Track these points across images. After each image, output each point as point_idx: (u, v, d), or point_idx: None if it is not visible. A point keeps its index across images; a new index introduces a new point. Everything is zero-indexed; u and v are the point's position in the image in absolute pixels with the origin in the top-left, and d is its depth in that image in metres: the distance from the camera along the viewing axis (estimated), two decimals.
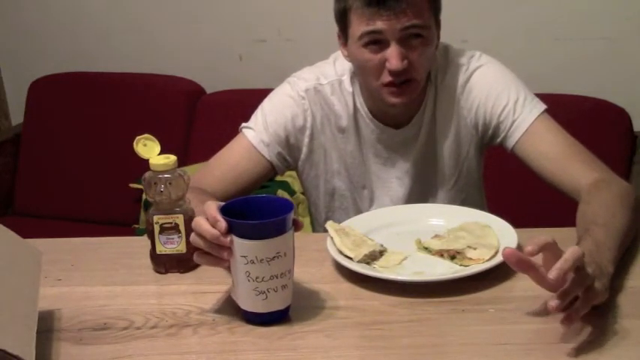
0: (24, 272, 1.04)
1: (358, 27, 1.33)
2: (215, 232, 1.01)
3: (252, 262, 1.01)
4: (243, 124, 1.48)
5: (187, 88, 2.62)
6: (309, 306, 1.10)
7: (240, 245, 1.01)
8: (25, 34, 2.84)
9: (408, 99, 1.38)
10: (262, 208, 1.06)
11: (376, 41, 1.32)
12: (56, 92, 2.70)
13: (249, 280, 1.02)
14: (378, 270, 1.16)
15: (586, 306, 0.98)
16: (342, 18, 1.36)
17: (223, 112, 2.41)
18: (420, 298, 1.09)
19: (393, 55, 1.32)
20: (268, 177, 1.51)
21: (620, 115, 2.18)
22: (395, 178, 1.50)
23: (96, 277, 1.22)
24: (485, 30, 2.38)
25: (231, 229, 1.02)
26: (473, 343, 0.99)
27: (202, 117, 2.55)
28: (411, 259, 1.20)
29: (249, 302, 1.05)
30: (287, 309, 1.07)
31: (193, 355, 1.01)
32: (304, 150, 1.49)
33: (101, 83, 2.68)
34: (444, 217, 1.32)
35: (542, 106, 1.42)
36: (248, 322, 1.06)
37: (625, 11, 2.32)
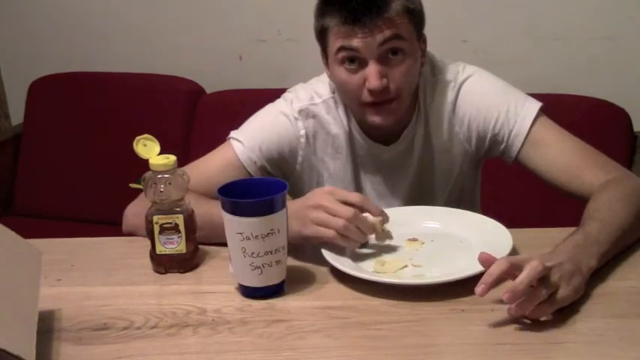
0: (24, 272, 1.04)
1: (334, 43, 1.31)
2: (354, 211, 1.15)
3: (248, 238, 1.08)
4: (233, 135, 1.45)
5: (187, 88, 2.62)
6: (309, 306, 1.10)
7: (237, 222, 1.08)
8: (25, 34, 2.84)
9: (392, 118, 1.36)
10: (257, 188, 1.12)
11: (354, 59, 1.30)
12: (56, 92, 2.70)
13: (245, 256, 1.09)
14: (378, 275, 1.16)
15: (547, 312, 1.01)
16: (322, 37, 1.35)
17: (223, 112, 2.40)
18: (420, 299, 1.09)
19: (371, 74, 1.29)
20: None
21: (620, 115, 2.18)
22: (390, 197, 1.48)
23: (96, 277, 1.22)
24: (485, 30, 2.38)
25: (228, 208, 1.09)
26: (473, 343, 1.00)
27: (202, 117, 2.55)
28: (410, 263, 1.20)
29: (245, 277, 1.12)
30: (282, 283, 1.14)
31: (193, 355, 1.01)
32: (297, 168, 1.46)
33: (101, 83, 2.68)
34: (438, 220, 1.32)
35: (536, 107, 1.38)
36: (246, 297, 1.12)
37: (625, 11, 2.32)
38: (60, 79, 2.71)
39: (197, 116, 2.55)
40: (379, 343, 1.01)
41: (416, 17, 1.33)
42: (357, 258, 1.22)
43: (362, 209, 1.17)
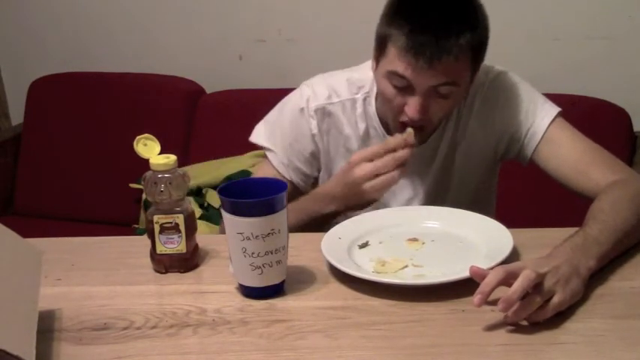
0: (24, 272, 1.04)
1: (390, 63, 1.29)
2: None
3: (248, 238, 1.08)
4: (265, 145, 1.48)
5: (187, 88, 2.62)
6: (309, 306, 1.10)
7: (237, 222, 1.08)
8: (25, 34, 2.84)
9: (420, 141, 1.38)
10: (257, 188, 1.12)
11: (402, 83, 1.30)
12: (56, 92, 2.71)
13: (245, 256, 1.09)
14: (378, 275, 1.16)
15: (543, 317, 1.01)
16: (382, 43, 1.32)
17: (223, 112, 2.40)
18: (420, 299, 1.09)
19: (414, 106, 1.30)
20: (294, 196, 1.44)
21: (620, 115, 2.18)
22: (407, 199, 1.48)
23: (96, 277, 1.22)
24: None
25: (228, 208, 1.09)
26: (473, 344, 0.99)
27: (202, 117, 2.55)
28: (410, 263, 1.20)
29: (246, 277, 1.12)
30: (282, 283, 1.14)
31: (193, 355, 1.01)
32: (322, 161, 1.49)
33: (101, 83, 2.68)
34: (438, 220, 1.32)
35: (555, 110, 1.41)
36: (246, 297, 1.12)
37: (625, 11, 2.32)
38: (60, 79, 2.72)
39: (197, 116, 2.55)
40: (379, 343, 1.01)
41: (478, 54, 1.32)
42: (357, 258, 1.22)
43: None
